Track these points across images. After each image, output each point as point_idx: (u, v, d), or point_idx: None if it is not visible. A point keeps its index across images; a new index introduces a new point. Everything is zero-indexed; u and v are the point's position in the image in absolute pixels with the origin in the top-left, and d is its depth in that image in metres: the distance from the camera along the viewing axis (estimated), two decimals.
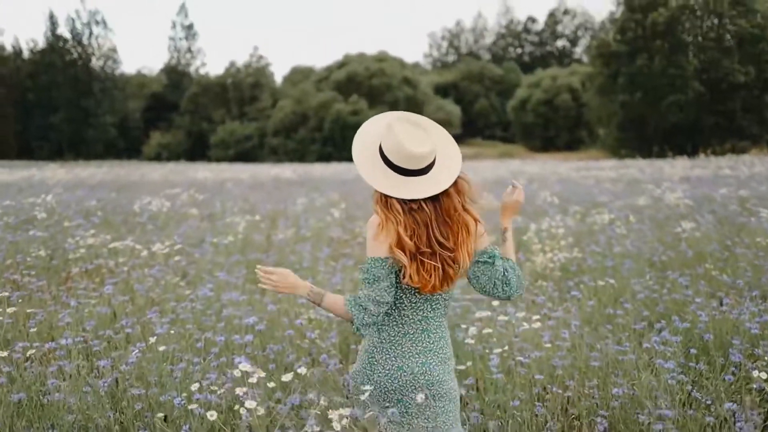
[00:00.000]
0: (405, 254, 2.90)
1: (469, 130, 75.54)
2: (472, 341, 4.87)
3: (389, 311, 3.02)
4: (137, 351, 4.40)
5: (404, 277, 2.91)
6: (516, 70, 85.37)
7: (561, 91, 70.54)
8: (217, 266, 7.89)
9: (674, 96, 51.72)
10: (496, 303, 5.55)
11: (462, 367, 4.68)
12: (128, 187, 19.42)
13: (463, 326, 5.25)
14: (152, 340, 4.35)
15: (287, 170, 30.57)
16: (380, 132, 3.02)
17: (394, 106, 68.44)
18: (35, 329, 5.10)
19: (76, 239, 8.01)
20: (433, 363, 3.02)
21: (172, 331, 4.89)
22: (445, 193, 2.97)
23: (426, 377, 2.99)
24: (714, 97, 51.72)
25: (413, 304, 3.01)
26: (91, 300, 6.08)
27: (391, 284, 2.92)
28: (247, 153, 64.46)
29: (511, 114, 74.36)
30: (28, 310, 5.71)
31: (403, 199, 2.92)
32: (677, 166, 26.04)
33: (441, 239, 2.94)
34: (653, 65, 52.74)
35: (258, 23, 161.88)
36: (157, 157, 66.16)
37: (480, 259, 3.06)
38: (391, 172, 2.94)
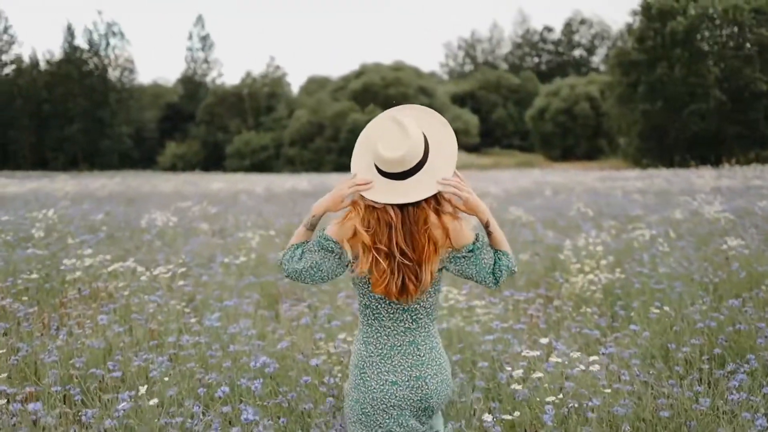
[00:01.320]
0: (359, 246, 2.81)
1: (486, 140, 75.03)
2: (519, 386, 4.17)
3: (369, 321, 2.91)
4: (126, 402, 3.72)
5: (355, 267, 2.84)
6: (533, 79, 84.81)
7: (580, 100, 69.90)
8: (227, 289, 7.22)
9: (695, 105, 50.96)
10: (544, 340, 4.83)
11: (509, 417, 3.99)
12: (138, 200, 18.75)
13: (507, 368, 4.55)
14: (143, 389, 3.66)
15: (303, 181, 29.92)
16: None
17: None
18: (16, 368, 4.44)
19: (73, 260, 7.34)
20: (428, 376, 2.89)
21: (171, 373, 4.20)
22: (417, 203, 2.80)
23: (423, 391, 2.87)
24: (736, 106, 50.89)
25: (392, 315, 2.88)
26: (85, 330, 5.43)
27: (331, 266, 2.87)
28: (262, 163, 64.12)
29: (529, 123, 73.69)
30: (15, 343, 5.07)
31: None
32: (705, 177, 25.21)
33: (403, 247, 2.78)
34: (673, 74, 51.94)
35: (274, 33, 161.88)
36: (173, 168, 66.03)
37: (460, 255, 2.87)
38: (375, 172, 2.83)
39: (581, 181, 25.80)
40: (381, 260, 2.77)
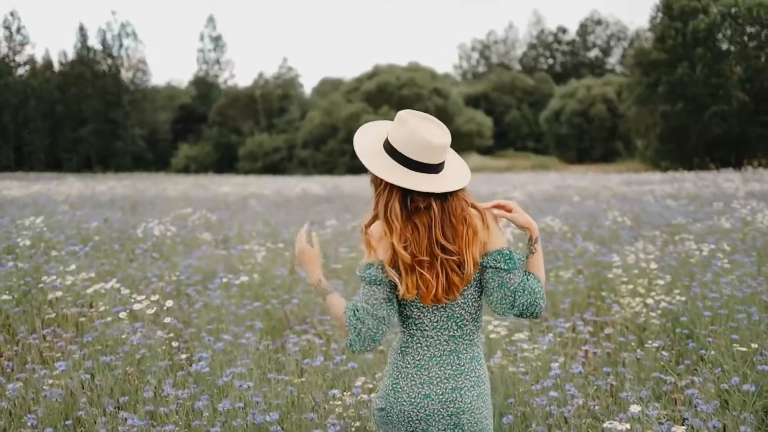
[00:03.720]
0: (401, 268, 2.64)
1: (500, 142, 74.35)
2: None
3: (411, 331, 2.75)
4: None
5: (400, 292, 2.65)
6: (548, 81, 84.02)
7: (596, 102, 69.12)
8: (226, 316, 6.20)
9: (717, 106, 49.96)
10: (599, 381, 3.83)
11: None
12: (142, 204, 17.71)
13: None
14: None
15: (315, 184, 28.89)
16: (381, 133, 2.78)
17: None
18: None
19: (53, 277, 6.39)
20: (465, 387, 2.71)
21: None
22: (454, 192, 2.70)
23: (456, 405, 2.69)
24: (759, 107, 49.82)
25: (435, 324, 2.72)
26: (52, 369, 4.48)
27: (387, 297, 2.68)
28: (275, 165, 63.51)
29: (544, 125, 72.84)
30: None
31: (411, 197, 2.64)
32: (734, 181, 24.09)
33: (443, 242, 2.65)
34: (695, 74, 50.88)
35: (287, 34, 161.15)
36: (185, 170, 65.73)
37: (491, 264, 2.69)
38: (404, 169, 2.65)
39: (606, 185, 24.67)
40: (425, 273, 2.63)
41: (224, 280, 7.04)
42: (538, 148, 76.08)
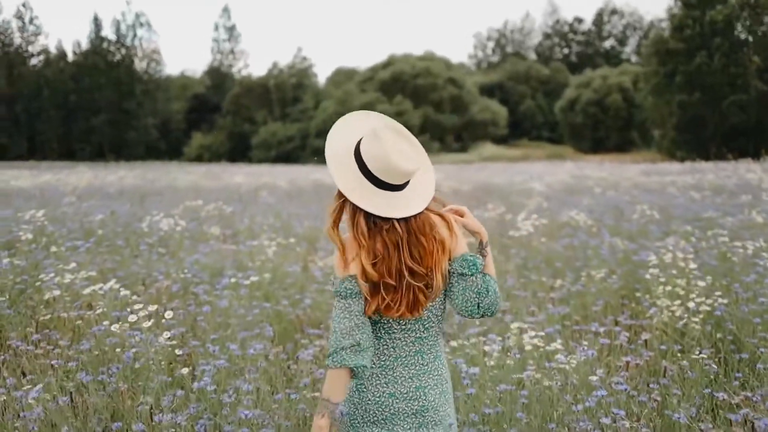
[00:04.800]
0: (368, 285, 2.63)
1: (515, 131, 73.93)
2: None
3: (379, 334, 2.73)
4: None
5: (366, 309, 2.65)
6: (563, 71, 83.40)
7: (612, 91, 68.43)
8: (234, 320, 5.75)
9: (735, 96, 49.25)
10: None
11: None
12: (151, 195, 17.23)
13: None
14: None
15: (328, 174, 28.38)
16: (358, 134, 2.74)
17: (439, 107, 67.18)
18: None
19: (50, 275, 5.97)
20: (429, 386, 2.73)
21: None
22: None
23: (419, 403, 2.71)
24: None
25: (403, 327, 2.72)
26: (37, 381, 4.06)
27: (363, 309, 2.64)
28: (288, 154, 63.20)
29: (559, 114, 72.21)
30: None
31: (373, 218, 2.62)
32: (756, 171, 23.45)
33: (411, 264, 2.62)
34: (713, 63, 50.13)
35: (302, 24, 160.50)
36: (199, 159, 65.60)
37: (457, 270, 2.70)
38: (367, 182, 2.62)
39: (625, 176, 24.08)
40: (389, 292, 2.63)
41: (232, 280, 6.57)
42: (553, 137, 75.59)
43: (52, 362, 4.42)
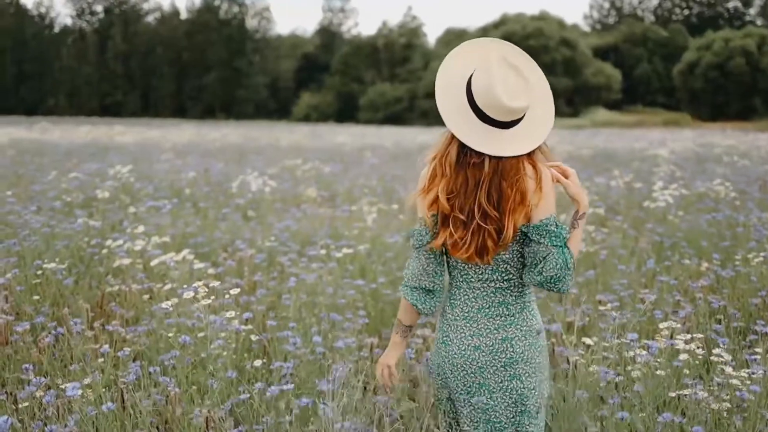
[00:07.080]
0: (438, 218, 2.59)
1: (629, 96, 71.14)
2: None
3: (458, 283, 2.68)
4: None
5: (436, 242, 2.60)
6: (682, 33, 79.39)
7: (734, 55, 64.86)
8: (322, 298, 4.87)
9: None
10: None
11: None
12: (250, 153, 16.57)
13: None
14: None
15: (437, 136, 27.43)
16: (473, 64, 2.59)
17: (551, 68, 65.10)
18: None
19: (119, 242, 5.27)
20: (516, 338, 2.62)
21: None
22: None
23: (508, 355, 2.61)
24: None
25: (481, 276, 2.64)
26: (85, 375, 3.33)
27: (435, 259, 2.65)
28: (396, 116, 62.60)
29: (677, 79, 69.03)
30: None
31: (468, 149, 2.52)
32: None
33: (486, 206, 2.52)
34: None
35: None
36: (306, 119, 65.77)
37: (535, 238, 2.52)
38: (472, 115, 2.52)
39: (756, 145, 22.24)
40: (458, 228, 2.55)
41: (322, 251, 5.71)
42: (669, 103, 72.25)
43: (101, 348, 3.67)
